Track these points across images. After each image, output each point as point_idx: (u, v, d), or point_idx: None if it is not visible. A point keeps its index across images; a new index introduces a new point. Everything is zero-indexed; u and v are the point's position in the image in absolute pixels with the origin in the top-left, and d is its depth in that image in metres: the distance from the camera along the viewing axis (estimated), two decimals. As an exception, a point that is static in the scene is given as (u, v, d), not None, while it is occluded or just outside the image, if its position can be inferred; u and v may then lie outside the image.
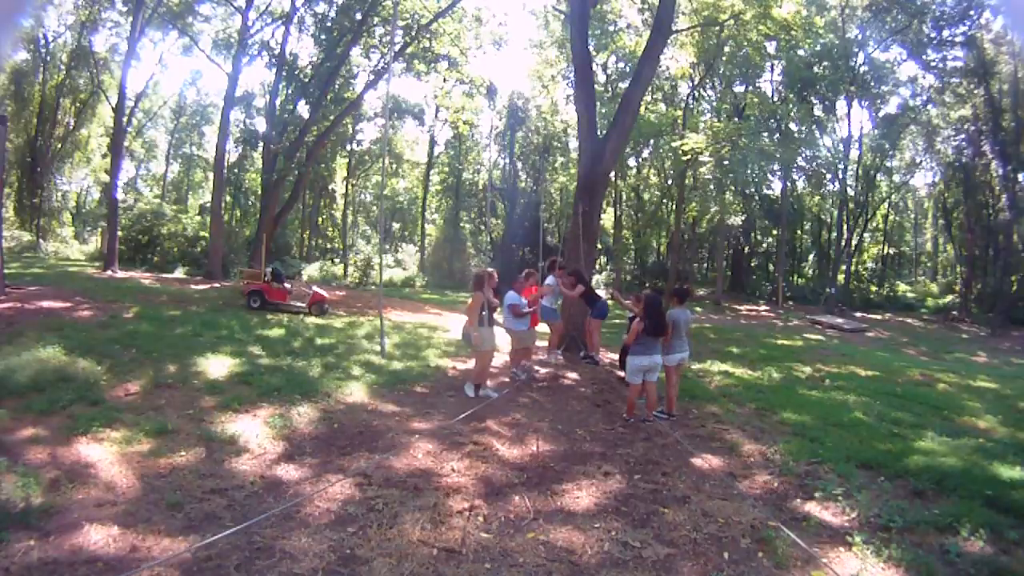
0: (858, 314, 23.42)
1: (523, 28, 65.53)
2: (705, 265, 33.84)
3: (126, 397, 5.00)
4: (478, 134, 34.56)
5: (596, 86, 13.89)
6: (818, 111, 25.09)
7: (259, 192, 23.80)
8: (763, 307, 25.03)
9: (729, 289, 28.94)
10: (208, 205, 25.19)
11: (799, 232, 33.30)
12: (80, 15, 23.77)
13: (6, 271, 11.04)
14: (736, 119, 22.80)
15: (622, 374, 6.66)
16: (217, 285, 15.34)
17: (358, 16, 19.40)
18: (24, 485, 3.24)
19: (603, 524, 3.38)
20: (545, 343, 8.19)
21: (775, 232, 30.43)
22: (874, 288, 29.92)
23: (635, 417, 5.52)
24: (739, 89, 26.38)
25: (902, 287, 31.46)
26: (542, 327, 7.95)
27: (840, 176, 26.18)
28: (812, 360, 9.95)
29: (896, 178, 30.40)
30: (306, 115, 20.46)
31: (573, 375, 7.43)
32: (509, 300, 6.83)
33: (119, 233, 18.60)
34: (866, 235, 30.26)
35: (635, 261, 32.96)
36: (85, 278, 13.91)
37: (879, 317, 23.68)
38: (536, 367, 7.48)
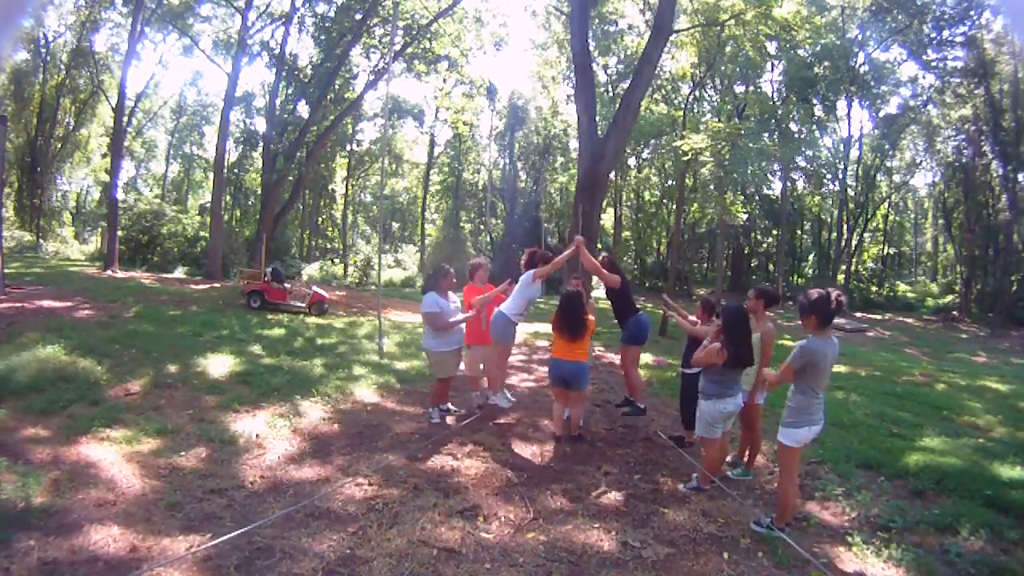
0: (858, 314, 23.45)
1: (524, 28, 65.59)
2: (705, 265, 33.85)
3: (126, 397, 5.00)
4: (478, 134, 34.68)
5: (596, 86, 13.90)
6: (818, 111, 25.11)
7: (259, 192, 23.80)
8: (763, 307, 24.98)
9: (729, 289, 28.93)
10: (208, 205, 25.20)
11: (799, 232, 33.35)
12: (80, 15, 23.81)
13: (6, 271, 11.05)
14: (736, 119, 22.80)
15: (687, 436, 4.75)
16: (217, 285, 15.33)
17: (358, 16, 19.41)
18: (24, 485, 3.23)
19: (603, 524, 3.38)
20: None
21: (775, 232, 30.47)
22: (874, 288, 29.96)
23: (717, 477, 3.94)
24: (739, 89, 26.39)
25: (902, 287, 31.52)
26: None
27: (840, 176, 26.24)
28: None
29: (896, 178, 30.48)
30: (306, 115, 20.46)
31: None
32: (425, 306, 4.84)
33: (119, 233, 18.61)
34: (866, 235, 30.32)
35: (635, 261, 33.00)
36: (85, 278, 13.90)
37: (879, 317, 23.70)
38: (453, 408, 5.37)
